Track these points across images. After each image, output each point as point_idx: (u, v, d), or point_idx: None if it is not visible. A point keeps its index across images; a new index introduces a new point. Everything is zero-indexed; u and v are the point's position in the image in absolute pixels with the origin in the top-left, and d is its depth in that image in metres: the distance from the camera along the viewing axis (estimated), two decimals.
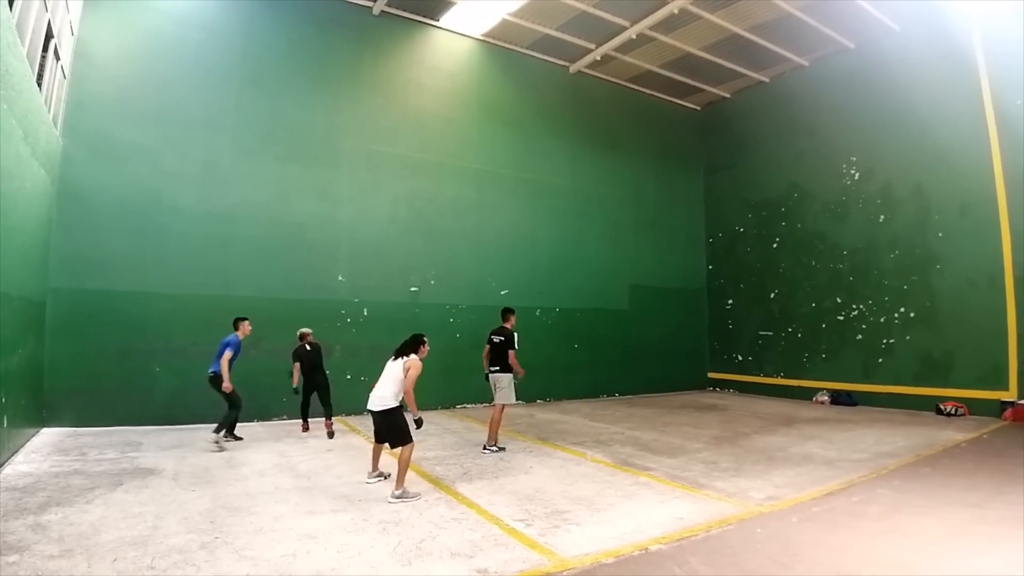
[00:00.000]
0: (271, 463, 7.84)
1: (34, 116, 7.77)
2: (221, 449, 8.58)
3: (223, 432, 8.91)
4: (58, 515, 5.35)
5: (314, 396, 10.14)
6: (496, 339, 9.01)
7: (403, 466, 6.25)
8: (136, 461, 7.68)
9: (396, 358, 6.91)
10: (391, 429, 6.49)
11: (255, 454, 8.37)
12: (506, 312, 9.35)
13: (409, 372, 6.68)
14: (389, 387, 6.61)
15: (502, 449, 8.74)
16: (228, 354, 8.92)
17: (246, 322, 9.50)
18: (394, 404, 6.54)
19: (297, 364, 9.88)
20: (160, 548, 4.63)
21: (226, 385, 8.82)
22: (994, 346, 11.96)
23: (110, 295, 10.18)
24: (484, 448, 8.70)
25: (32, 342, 8.53)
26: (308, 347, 10.00)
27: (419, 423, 6.57)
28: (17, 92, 6.78)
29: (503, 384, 8.81)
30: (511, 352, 8.88)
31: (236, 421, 9.30)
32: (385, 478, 6.72)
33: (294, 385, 9.95)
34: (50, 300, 9.64)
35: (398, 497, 6.12)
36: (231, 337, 9.15)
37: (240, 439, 9.29)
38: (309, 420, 10.35)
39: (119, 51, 10.73)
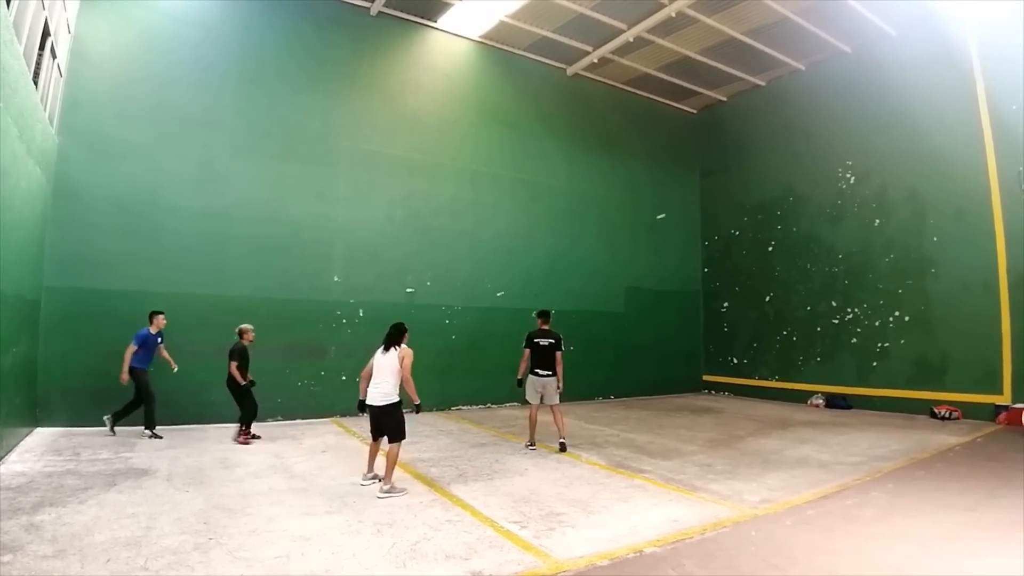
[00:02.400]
0: (266, 464, 7.82)
1: (30, 114, 7.74)
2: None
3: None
4: (52, 515, 5.33)
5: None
6: (544, 342, 9.05)
7: (392, 462, 6.47)
8: (130, 461, 7.66)
9: (386, 350, 7.01)
10: (394, 422, 6.73)
11: (250, 455, 8.35)
12: (544, 314, 9.47)
13: (405, 361, 6.92)
14: (389, 380, 6.78)
15: (533, 447, 9.08)
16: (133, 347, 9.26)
17: (160, 316, 9.71)
18: (396, 398, 6.77)
19: (235, 364, 9.28)
20: (154, 549, 4.61)
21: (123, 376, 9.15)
22: (988, 350, 12.00)
23: (105, 294, 10.15)
24: (562, 446, 8.89)
25: (26, 341, 8.50)
26: (245, 346, 9.54)
27: (419, 409, 6.98)
28: (13, 90, 6.76)
29: (554, 387, 9.03)
30: (559, 354, 9.07)
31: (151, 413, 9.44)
32: (379, 479, 6.69)
33: (244, 383, 9.30)
34: (45, 299, 9.60)
35: (387, 492, 6.32)
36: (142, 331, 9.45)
37: (160, 437, 9.28)
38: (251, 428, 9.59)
39: (116, 49, 10.70)
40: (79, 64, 10.30)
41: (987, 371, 12.00)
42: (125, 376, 9.11)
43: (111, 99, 10.55)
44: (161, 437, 9.27)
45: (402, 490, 6.45)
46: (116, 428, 9.40)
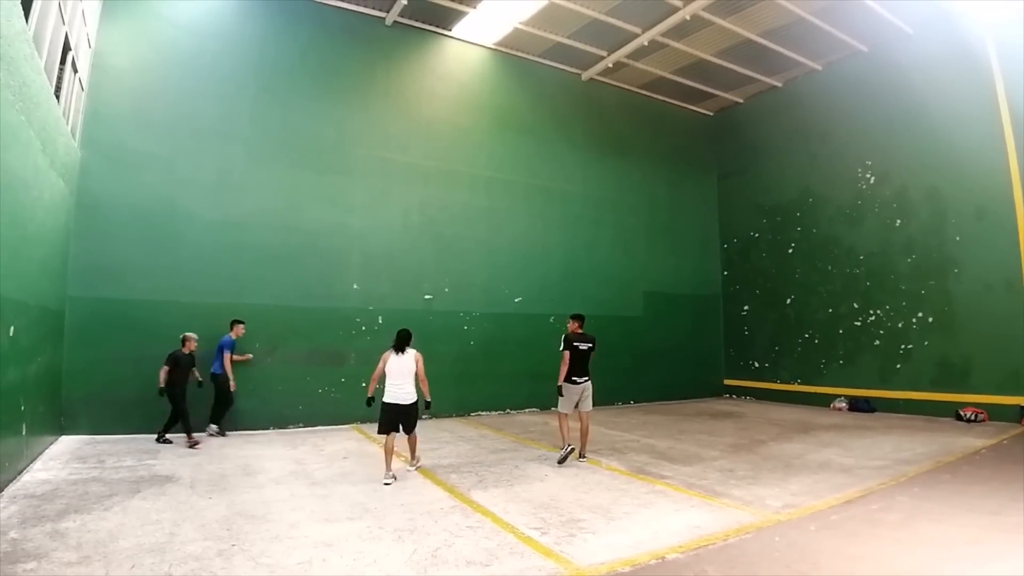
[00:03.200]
0: (287, 470, 7.86)
1: (52, 128, 7.88)
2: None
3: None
4: (76, 522, 5.39)
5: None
6: (584, 346, 8.71)
7: (416, 444, 7.96)
8: (153, 469, 7.73)
9: (400, 353, 7.66)
10: (413, 417, 7.68)
11: (271, 462, 8.40)
12: (580, 317, 9.23)
13: (420, 363, 7.71)
14: (410, 381, 7.57)
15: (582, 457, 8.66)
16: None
17: (240, 324, 10.61)
18: (416, 397, 7.65)
19: (167, 368, 9.30)
20: (177, 555, 4.66)
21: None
22: (1013, 351, 11.80)
23: (126, 303, 10.27)
24: (580, 457, 8.55)
25: (50, 350, 8.62)
26: (188, 354, 9.63)
27: (429, 405, 7.89)
28: (35, 104, 6.88)
29: (591, 391, 8.76)
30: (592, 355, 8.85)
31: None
32: (396, 479, 7.33)
33: (160, 387, 9.30)
34: (68, 309, 9.75)
35: (416, 466, 7.91)
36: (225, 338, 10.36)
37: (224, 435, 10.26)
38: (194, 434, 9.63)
39: (135, 62, 10.87)
40: (100, 77, 10.48)
41: (1012, 372, 11.80)
42: (232, 383, 10.25)
43: (131, 112, 10.70)
44: (225, 435, 10.29)
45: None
46: (222, 431, 10.37)
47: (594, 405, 10.15)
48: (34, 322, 7.46)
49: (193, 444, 9.30)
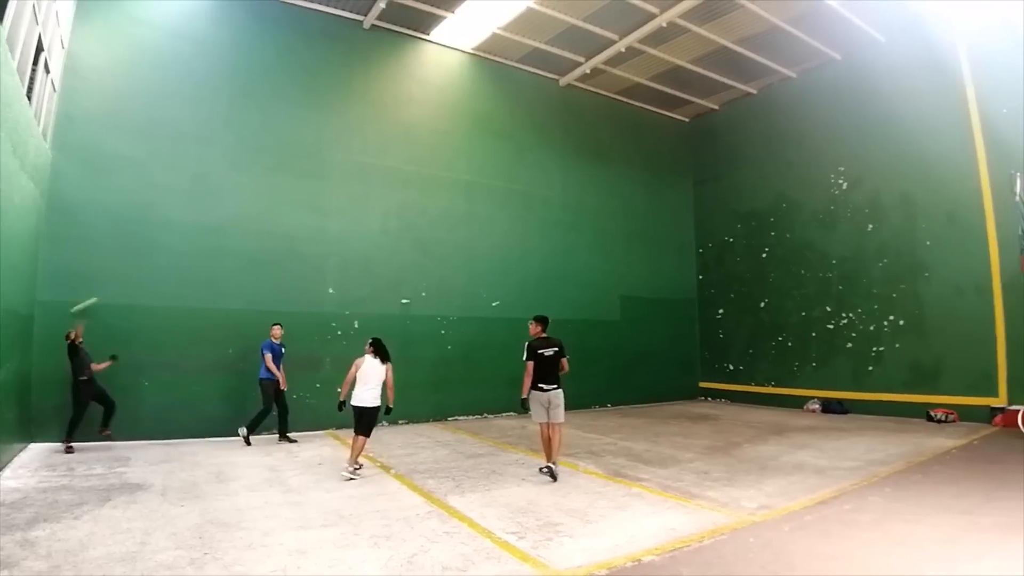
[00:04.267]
0: (261, 477, 7.78)
1: (23, 129, 7.74)
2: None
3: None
4: (46, 531, 5.29)
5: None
6: (548, 352, 7.93)
7: (363, 447, 8.05)
8: (124, 476, 7.61)
9: (380, 360, 8.19)
10: (374, 420, 8.14)
11: (244, 469, 8.31)
12: (542, 320, 8.31)
13: (389, 370, 8.18)
14: (379, 387, 8.10)
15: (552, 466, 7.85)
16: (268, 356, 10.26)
17: (277, 326, 10.63)
18: (380, 402, 8.13)
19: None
20: (149, 564, 4.58)
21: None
22: (983, 353, 12.04)
23: (99, 309, 10.07)
24: (554, 466, 7.77)
25: (19, 356, 8.46)
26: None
27: (390, 411, 8.36)
28: (6, 105, 6.76)
29: (561, 400, 7.95)
30: (565, 360, 8.04)
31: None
32: (358, 469, 7.97)
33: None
34: (38, 313, 9.56)
35: (354, 471, 7.79)
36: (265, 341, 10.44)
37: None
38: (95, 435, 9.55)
39: (109, 64, 10.72)
40: (72, 79, 10.31)
41: (982, 374, 12.04)
42: (284, 383, 10.38)
43: (104, 114, 10.55)
44: (251, 444, 10.07)
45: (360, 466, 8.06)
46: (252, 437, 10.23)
47: (572, 408, 10.08)
48: (3, 327, 7.30)
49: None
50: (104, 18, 10.72)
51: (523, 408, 8.26)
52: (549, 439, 7.91)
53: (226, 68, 11.80)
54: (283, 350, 10.53)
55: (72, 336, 9.20)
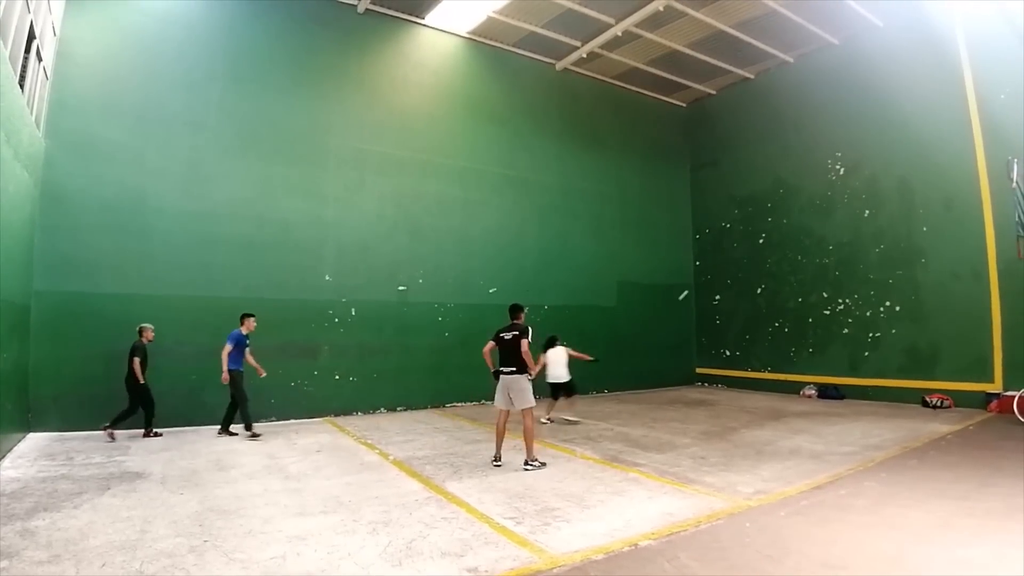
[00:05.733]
0: (260, 465, 7.80)
1: (16, 118, 7.69)
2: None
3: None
4: (46, 520, 5.31)
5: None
6: (508, 335, 7.83)
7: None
8: (123, 465, 7.63)
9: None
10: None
11: (243, 456, 8.34)
12: (516, 308, 8.24)
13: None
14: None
15: (543, 465, 7.62)
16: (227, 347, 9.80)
17: (251, 318, 10.22)
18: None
19: (138, 360, 9.50)
20: (149, 552, 4.60)
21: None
22: (979, 338, 12.08)
23: (94, 297, 10.09)
24: (526, 465, 7.54)
25: (16, 346, 8.45)
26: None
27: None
28: None
29: (522, 385, 7.68)
30: (524, 342, 7.67)
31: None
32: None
33: (143, 381, 9.55)
34: (34, 303, 9.54)
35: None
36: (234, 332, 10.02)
37: (259, 435, 9.85)
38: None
39: (102, 50, 10.63)
40: (65, 66, 10.23)
41: (978, 359, 12.09)
42: (225, 376, 9.70)
43: (97, 101, 10.47)
44: (259, 435, 9.85)
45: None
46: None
47: (571, 394, 10.11)
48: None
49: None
50: (96, 4, 10.61)
51: (495, 378, 8.00)
52: (504, 429, 7.86)
53: (219, 53, 11.71)
54: (248, 343, 10.13)
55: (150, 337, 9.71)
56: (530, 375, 7.80)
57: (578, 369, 11.59)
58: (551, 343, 11.55)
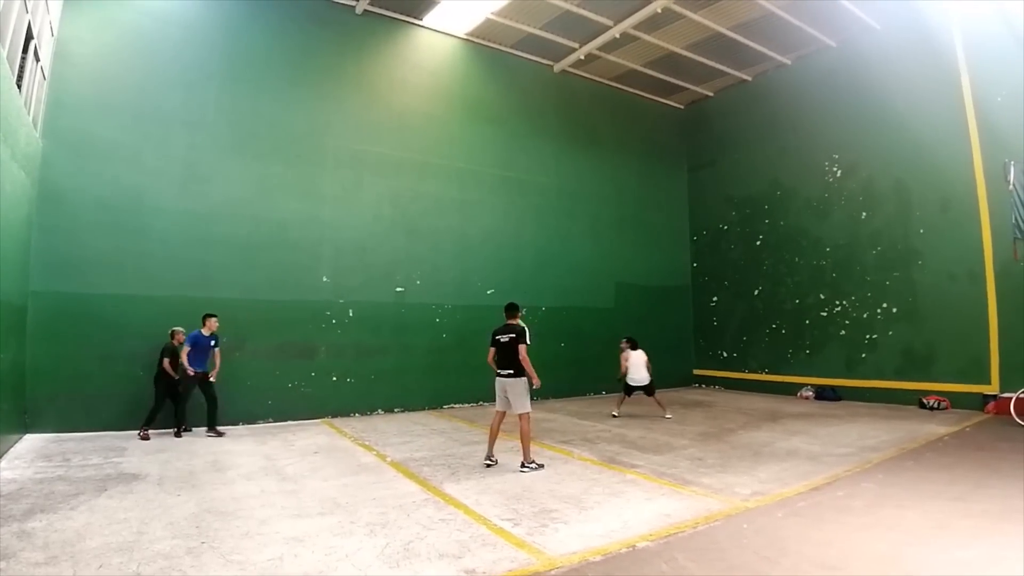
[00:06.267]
0: (257, 466, 7.79)
1: (14, 118, 7.68)
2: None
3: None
4: (43, 522, 5.29)
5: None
6: (504, 338, 7.83)
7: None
8: (120, 466, 7.61)
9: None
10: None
11: (240, 457, 8.32)
12: (512, 308, 8.19)
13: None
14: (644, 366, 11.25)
15: (541, 466, 7.60)
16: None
17: (212, 318, 10.25)
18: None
19: (167, 360, 9.90)
20: (146, 554, 4.60)
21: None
22: (976, 340, 12.10)
23: (91, 298, 10.07)
24: (522, 467, 7.53)
25: (13, 346, 8.43)
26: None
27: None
28: None
29: (519, 390, 7.66)
30: (523, 347, 7.65)
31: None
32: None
33: (177, 377, 9.91)
34: (31, 304, 9.51)
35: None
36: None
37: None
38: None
39: (99, 50, 10.62)
40: (62, 66, 10.21)
41: (975, 361, 12.11)
42: (190, 370, 9.79)
43: (95, 101, 10.46)
44: (181, 437, 9.79)
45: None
46: (189, 430, 10.15)
47: (566, 395, 10.07)
48: None
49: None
50: (94, 4, 10.60)
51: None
52: (497, 430, 7.88)
53: (217, 53, 11.70)
54: (213, 342, 10.10)
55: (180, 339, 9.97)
56: (533, 383, 7.75)
57: (574, 369, 11.61)
58: (633, 344, 12.47)
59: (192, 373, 9.78)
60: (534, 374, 7.73)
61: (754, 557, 4.59)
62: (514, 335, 7.77)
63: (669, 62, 16.30)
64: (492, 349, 8.01)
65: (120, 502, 5.99)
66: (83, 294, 10.02)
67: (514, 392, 7.70)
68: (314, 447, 9.11)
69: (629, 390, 12.24)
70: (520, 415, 7.63)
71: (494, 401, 7.97)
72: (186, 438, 9.69)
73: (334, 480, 7.06)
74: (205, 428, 10.08)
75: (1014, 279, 11.60)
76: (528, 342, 7.77)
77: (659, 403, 12.18)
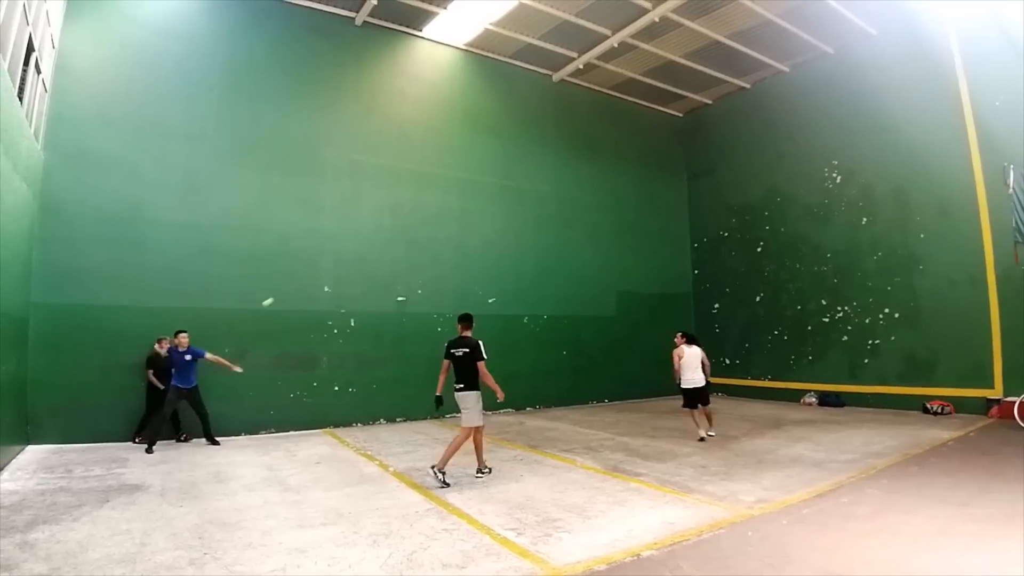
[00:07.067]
0: (259, 477, 7.77)
1: (15, 130, 7.71)
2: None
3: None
4: (45, 533, 5.28)
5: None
6: (459, 352, 7.70)
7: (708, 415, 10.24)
8: (122, 477, 7.59)
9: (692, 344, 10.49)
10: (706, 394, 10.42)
11: (243, 468, 8.30)
12: (464, 319, 8.02)
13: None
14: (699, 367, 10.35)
15: (488, 471, 7.83)
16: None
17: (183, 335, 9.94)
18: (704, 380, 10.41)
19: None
20: (148, 565, 4.58)
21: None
22: (978, 344, 12.08)
23: (92, 309, 10.07)
24: (478, 473, 7.74)
25: (15, 358, 8.43)
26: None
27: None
28: None
29: (469, 404, 7.61)
30: (481, 364, 7.60)
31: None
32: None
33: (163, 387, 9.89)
34: (32, 315, 9.52)
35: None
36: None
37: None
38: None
39: (100, 63, 10.67)
40: (63, 79, 10.26)
41: (977, 365, 12.09)
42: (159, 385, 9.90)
43: (95, 113, 10.50)
44: (152, 452, 9.29)
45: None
46: (185, 439, 10.28)
47: (568, 403, 10.01)
48: None
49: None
50: (94, 17, 10.66)
51: (436, 405, 7.85)
52: (479, 442, 7.82)
53: (217, 66, 11.74)
54: (189, 357, 9.76)
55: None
56: (498, 396, 7.73)
57: (575, 378, 11.55)
58: (691, 340, 10.80)
59: (162, 387, 9.84)
60: (498, 388, 7.65)
61: (759, 565, 4.57)
62: (468, 350, 7.67)
63: (667, 71, 16.36)
64: (446, 361, 7.85)
65: (122, 513, 5.97)
66: (84, 305, 10.03)
67: (465, 404, 7.63)
68: (316, 457, 9.09)
69: (690, 399, 10.41)
70: (468, 428, 7.57)
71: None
72: (187, 449, 9.66)
73: (337, 490, 7.04)
74: (204, 440, 10.09)
75: (1015, 283, 11.60)
76: (485, 357, 7.64)
77: (708, 416, 10.51)
